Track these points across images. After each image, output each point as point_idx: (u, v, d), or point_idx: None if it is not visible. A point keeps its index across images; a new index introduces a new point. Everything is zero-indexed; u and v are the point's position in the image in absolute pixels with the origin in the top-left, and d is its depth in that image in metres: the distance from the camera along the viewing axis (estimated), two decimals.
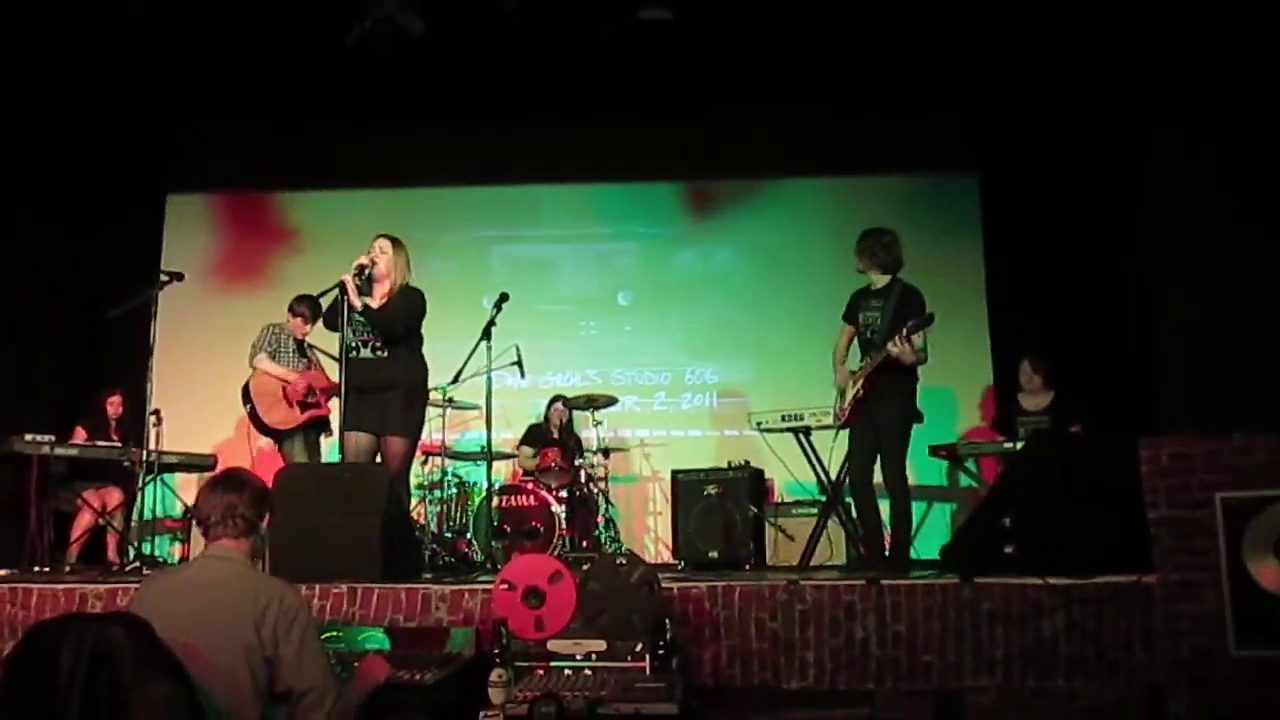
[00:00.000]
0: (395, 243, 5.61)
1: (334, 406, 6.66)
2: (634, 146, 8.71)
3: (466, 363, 6.25)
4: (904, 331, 5.45)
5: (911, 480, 5.87)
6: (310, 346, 6.81)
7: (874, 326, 5.75)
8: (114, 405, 7.41)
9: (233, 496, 3.13)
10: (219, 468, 6.99)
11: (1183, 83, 6.34)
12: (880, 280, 5.81)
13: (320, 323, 6.66)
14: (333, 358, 6.55)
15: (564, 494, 7.15)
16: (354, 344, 5.49)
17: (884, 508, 5.72)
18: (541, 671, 3.65)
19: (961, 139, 8.51)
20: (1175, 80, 6.44)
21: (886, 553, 5.67)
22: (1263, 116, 5.47)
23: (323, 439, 6.73)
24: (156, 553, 6.93)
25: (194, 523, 3.24)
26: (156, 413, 6.48)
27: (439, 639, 3.99)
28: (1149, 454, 4.19)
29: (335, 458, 5.87)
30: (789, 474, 7.14)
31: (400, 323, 5.48)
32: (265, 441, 6.69)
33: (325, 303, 5.68)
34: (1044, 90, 7.78)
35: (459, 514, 7.29)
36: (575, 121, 8.55)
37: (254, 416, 6.47)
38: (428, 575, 5.24)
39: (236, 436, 8.02)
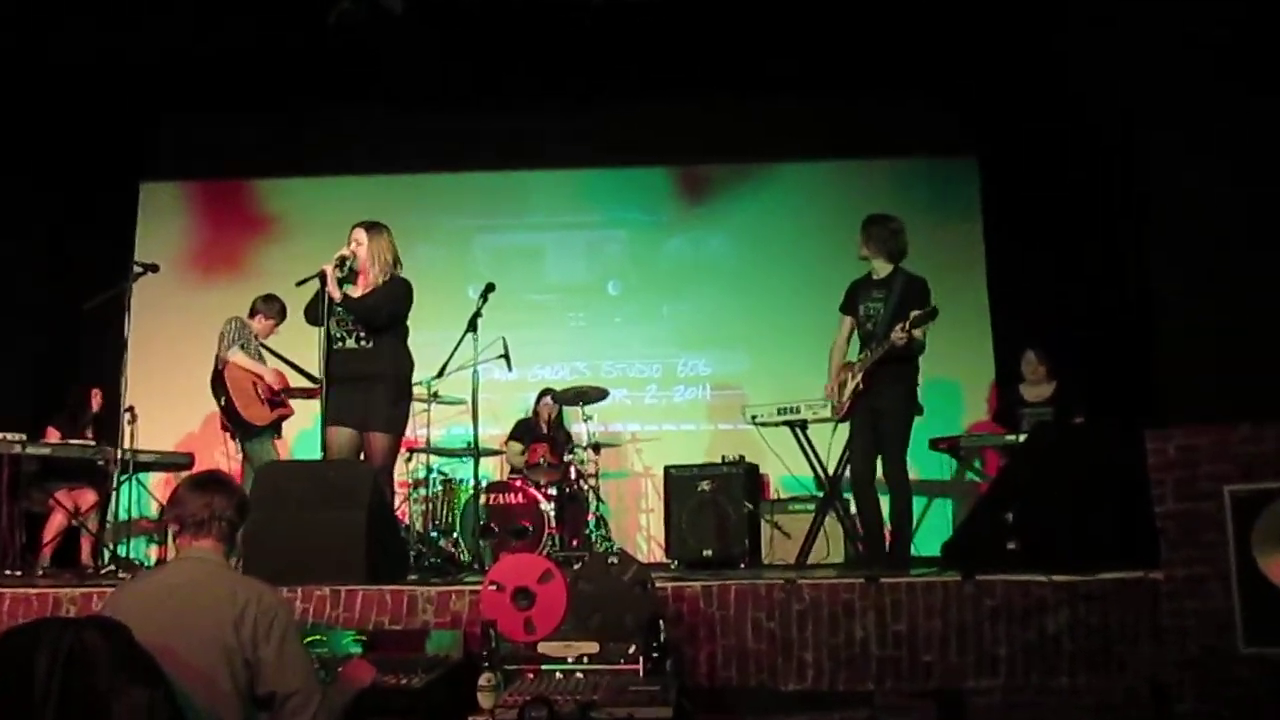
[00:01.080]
0: (372, 230, 5.56)
1: (298, 406, 6.73)
2: (623, 130, 8.70)
3: (452, 355, 6.25)
4: (906, 324, 5.45)
5: (912, 475, 5.88)
6: (265, 348, 6.81)
7: (876, 318, 5.74)
8: (96, 399, 7.38)
9: (220, 499, 3.13)
10: (196, 467, 7.01)
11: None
12: (883, 269, 5.81)
13: (280, 326, 6.71)
14: (289, 363, 6.60)
15: (553, 491, 7.16)
16: (338, 335, 5.47)
17: (884, 504, 5.74)
18: (532, 675, 3.64)
19: (961, 119, 8.49)
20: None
21: (886, 549, 5.69)
22: (1267, 100, 5.49)
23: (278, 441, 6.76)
24: (132, 555, 6.94)
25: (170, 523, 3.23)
26: (131, 410, 6.47)
27: (419, 641, 3.98)
28: (1155, 445, 4.21)
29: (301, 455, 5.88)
30: (785, 469, 7.18)
31: (383, 311, 5.46)
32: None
33: (305, 291, 5.64)
34: (1047, 67, 7.77)
35: (445, 513, 7.29)
36: (563, 105, 8.56)
37: (229, 411, 6.46)
38: (413, 576, 5.24)
39: (213, 434, 8.00)
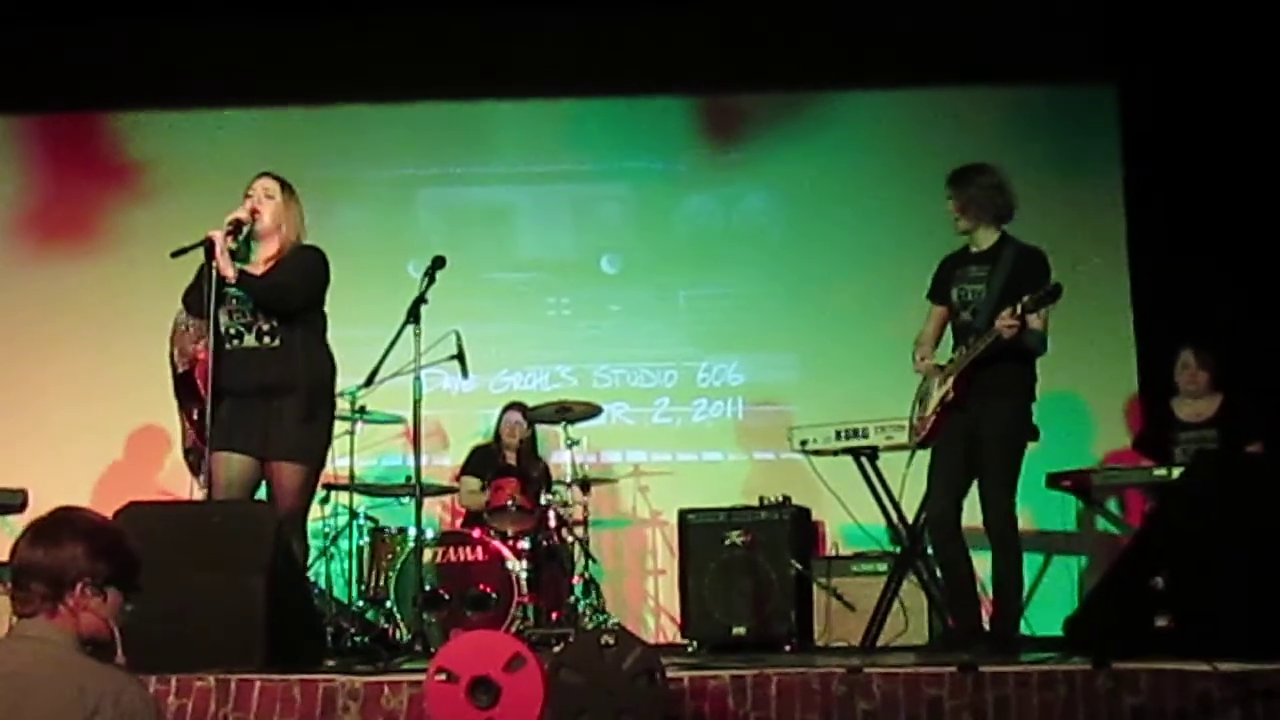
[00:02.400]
0: (285, 186, 5.59)
1: None
2: (625, 45, 8.72)
3: (385, 357, 6.26)
4: (1017, 309, 5.43)
5: (1023, 524, 5.88)
6: None
7: (975, 304, 5.72)
8: None
9: (73, 552, 3.10)
10: (34, 508, 7.00)
11: None
12: (986, 239, 5.79)
13: None
14: None
15: (525, 545, 7.17)
16: (232, 329, 5.47)
17: (982, 563, 5.74)
18: None
19: (1095, 28, 8.46)
20: None
21: (986, 627, 5.69)
22: None
23: None
24: None
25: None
26: None
27: None
28: None
29: None
30: (847, 515, 7.18)
31: (296, 292, 5.46)
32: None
33: (183, 268, 5.64)
34: None
35: (375, 574, 7.30)
36: (540, 4, 8.54)
37: (200, 422, 6.36)
38: (332, 662, 5.25)
39: (60, 459, 8.03)
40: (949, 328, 5.91)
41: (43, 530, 3.14)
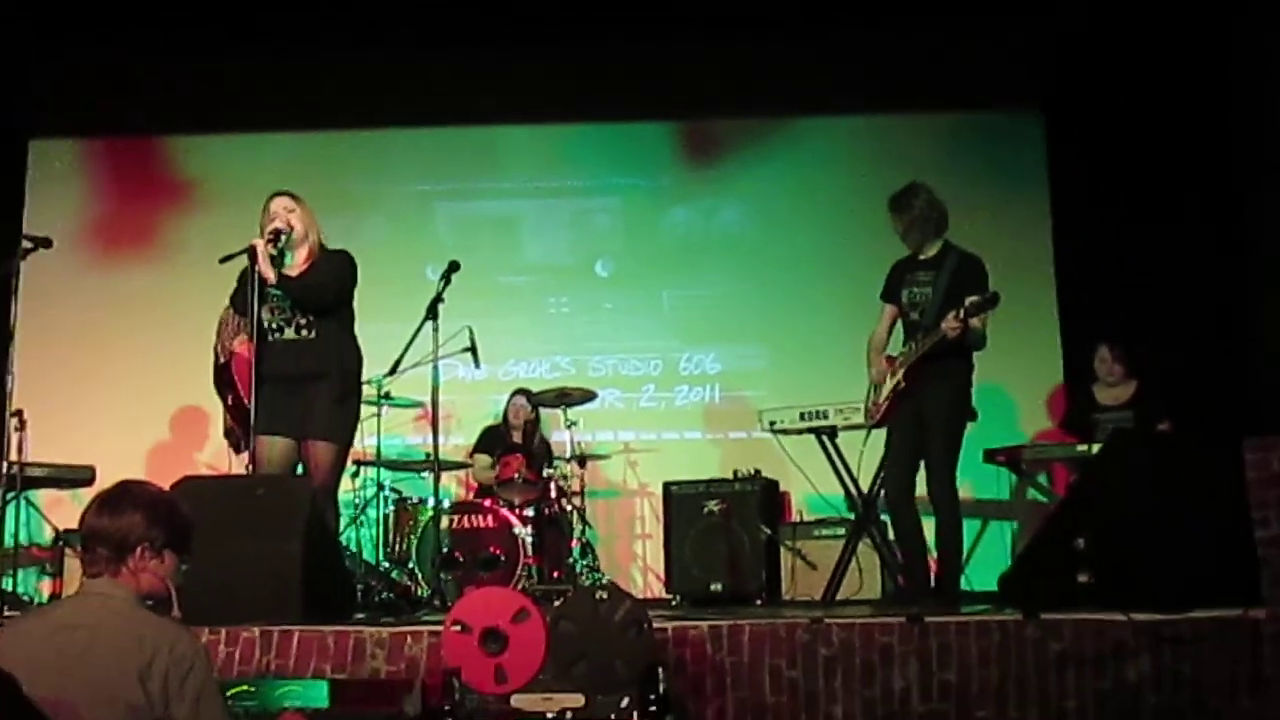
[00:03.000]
0: (296, 198, 5.58)
1: None
2: (617, 75, 8.69)
3: (407, 349, 6.24)
4: (961, 311, 5.43)
5: (963, 493, 5.89)
6: None
7: (922, 305, 5.74)
8: None
9: (132, 520, 3.09)
10: (98, 481, 6.99)
11: None
12: (931, 248, 5.80)
13: None
14: None
15: (530, 513, 7.16)
16: (273, 324, 5.48)
17: (928, 527, 5.74)
18: None
19: (1024, 62, 8.46)
20: None
21: (932, 583, 5.69)
22: None
23: None
24: (20, 589, 6.91)
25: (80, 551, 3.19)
26: (19, 414, 6.44)
27: (389, 695, 3.94)
28: (1256, 457, 4.22)
29: None
30: (810, 486, 7.19)
31: (328, 291, 5.47)
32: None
33: (231, 270, 5.62)
34: None
35: (399, 539, 7.29)
36: (542, 42, 8.53)
37: (239, 410, 6.35)
38: (360, 615, 5.25)
39: (121, 441, 8.01)
40: (900, 325, 5.91)
41: (107, 501, 3.13)
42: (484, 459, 7.84)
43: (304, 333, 5.48)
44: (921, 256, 5.83)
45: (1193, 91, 7.66)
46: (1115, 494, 4.84)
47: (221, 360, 6.13)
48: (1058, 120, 8.53)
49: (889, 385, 5.80)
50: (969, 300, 5.42)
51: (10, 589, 6.49)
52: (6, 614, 5.38)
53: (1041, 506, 7.49)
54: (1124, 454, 5.37)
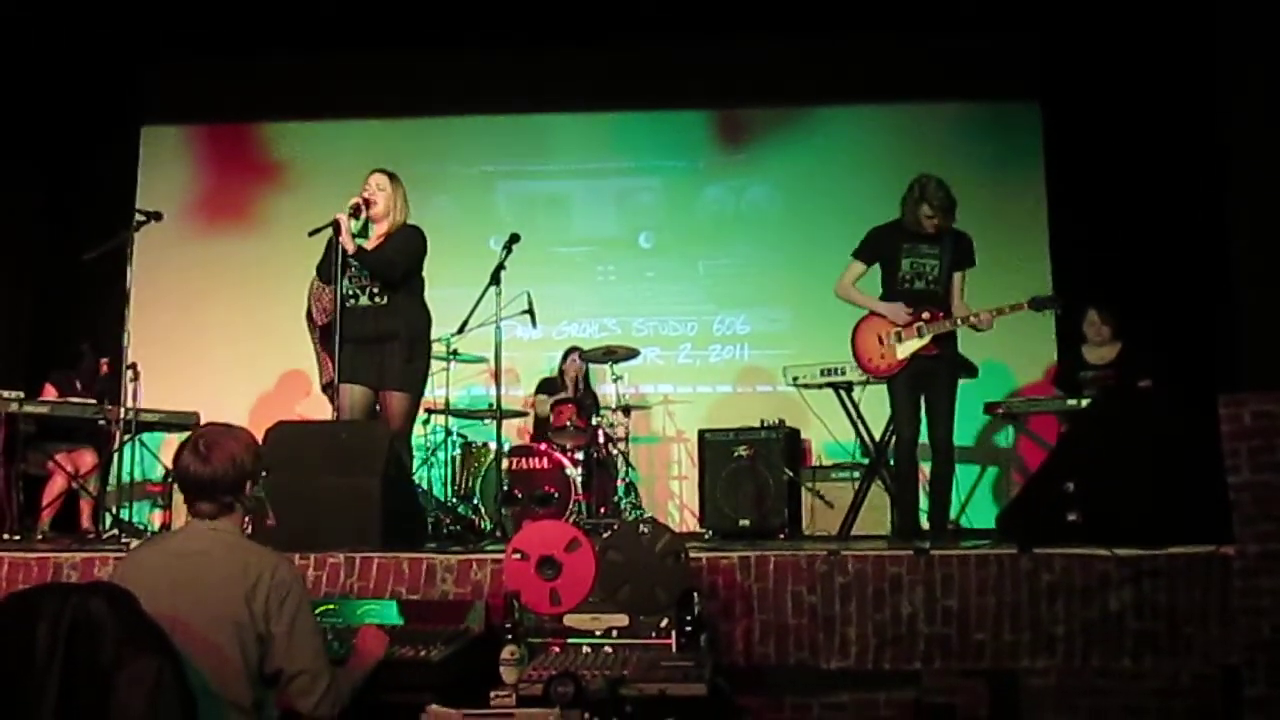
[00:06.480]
0: (393, 178, 5.61)
1: None
2: (657, 69, 8.65)
3: (473, 311, 6.25)
4: (1005, 309, 5.55)
5: (964, 442, 5.87)
6: None
7: (929, 275, 5.72)
8: (105, 369, 7.43)
9: (229, 457, 3.11)
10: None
11: None
12: (939, 225, 5.75)
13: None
14: None
15: (580, 456, 7.17)
16: (351, 291, 5.51)
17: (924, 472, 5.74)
18: (557, 649, 3.67)
19: (1024, 59, 8.40)
20: None
21: (925, 524, 5.70)
22: None
23: None
24: (135, 520, 7.00)
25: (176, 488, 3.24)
26: (134, 367, 6.51)
27: (456, 614, 3.97)
28: (1229, 412, 4.18)
29: None
30: (828, 434, 7.17)
31: (399, 264, 5.49)
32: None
33: (318, 242, 5.65)
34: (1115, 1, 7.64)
35: (465, 478, 7.34)
36: (591, 41, 8.50)
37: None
38: (432, 544, 5.29)
39: (222, 391, 8.10)
40: (887, 284, 5.88)
41: (208, 441, 3.12)
42: (543, 398, 7.90)
43: (377, 299, 5.51)
44: (926, 231, 5.76)
45: (1175, 85, 7.55)
46: (1101, 443, 4.81)
47: (321, 322, 6.06)
48: (1054, 110, 8.42)
49: (911, 346, 5.71)
50: (1033, 297, 5.59)
51: (126, 519, 6.59)
52: (123, 541, 5.46)
53: (1035, 454, 7.44)
54: (1110, 407, 5.35)
